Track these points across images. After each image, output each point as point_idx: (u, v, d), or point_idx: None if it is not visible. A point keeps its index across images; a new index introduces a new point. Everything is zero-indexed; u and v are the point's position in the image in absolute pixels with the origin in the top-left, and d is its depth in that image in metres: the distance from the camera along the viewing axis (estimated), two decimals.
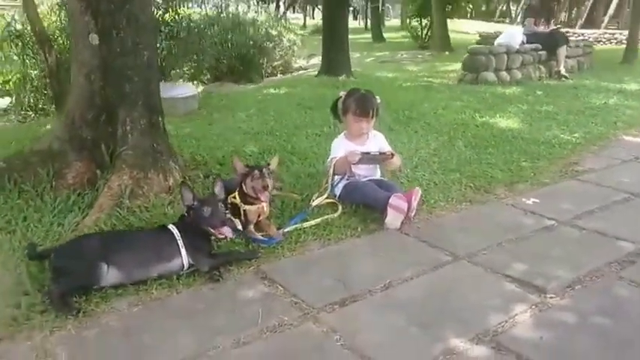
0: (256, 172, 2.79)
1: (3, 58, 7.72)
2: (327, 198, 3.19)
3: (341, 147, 3.26)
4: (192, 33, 8.25)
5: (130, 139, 3.14)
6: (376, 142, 3.34)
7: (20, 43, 6.95)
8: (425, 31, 16.09)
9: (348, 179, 3.26)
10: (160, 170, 3.17)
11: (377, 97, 3.32)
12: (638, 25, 11.34)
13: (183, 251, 2.38)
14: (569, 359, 1.87)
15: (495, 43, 8.62)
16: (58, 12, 7.08)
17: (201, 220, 2.47)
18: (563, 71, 8.63)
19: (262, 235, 2.78)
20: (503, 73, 8.06)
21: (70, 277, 2.19)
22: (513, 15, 31.41)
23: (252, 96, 7.19)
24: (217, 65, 9.89)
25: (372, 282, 2.37)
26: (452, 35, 14.98)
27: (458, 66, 8.75)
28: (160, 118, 3.31)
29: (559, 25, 12.13)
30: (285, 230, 2.83)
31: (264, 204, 2.83)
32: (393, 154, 3.18)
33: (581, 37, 12.59)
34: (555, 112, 5.91)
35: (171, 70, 8.17)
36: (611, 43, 16.64)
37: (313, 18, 36.43)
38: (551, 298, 2.25)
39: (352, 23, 27.47)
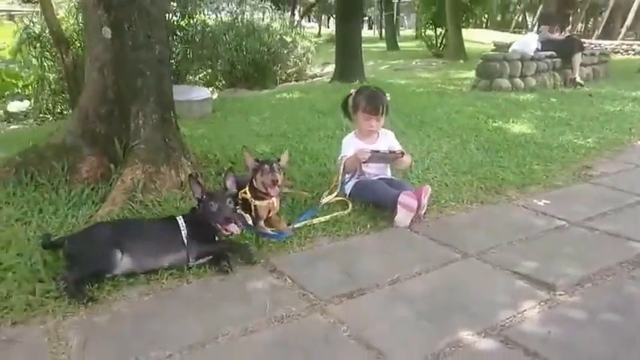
0: (266, 166, 2.81)
1: (22, 62, 7.92)
2: (337, 196, 3.20)
3: (351, 145, 3.27)
4: (206, 37, 8.37)
5: (143, 133, 3.18)
6: (386, 140, 3.35)
7: (38, 45, 7.10)
8: (439, 40, 16.11)
9: (358, 178, 3.27)
10: (172, 166, 3.21)
11: (387, 94, 3.33)
12: None
13: (186, 243, 2.40)
14: (577, 354, 1.85)
15: (510, 49, 8.60)
16: (75, 15, 7.23)
17: (209, 215, 2.48)
18: (578, 79, 8.56)
19: (272, 230, 2.80)
20: (518, 80, 8.03)
21: (83, 265, 2.23)
22: (529, 25, 31.26)
23: (266, 100, 7.25)
24: (232, 71, 10.01)
25: (380, 276, 2.37)
26: (467, 45, 14.97)
27: (472, 74, 8.74)
28: (172, 114, 3.35)
29: (574, 33, 12.07)
30: (295, 226, 2.85)
31: (274, 199, 2.85)
32: (403, 153, 3.19)
33: (598, 48, 12.51)
34: (569, 118, 5.87)
35: (186, 74, 8.27)
36: (628, 53, 16.50)
37: (328, 27, 36.71)
38: (560, 295, 2.24)
39: (367, 33, 27.66)
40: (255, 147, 4.29)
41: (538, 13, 26.05)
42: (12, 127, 6.91)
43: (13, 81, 8.24)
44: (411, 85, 8.53)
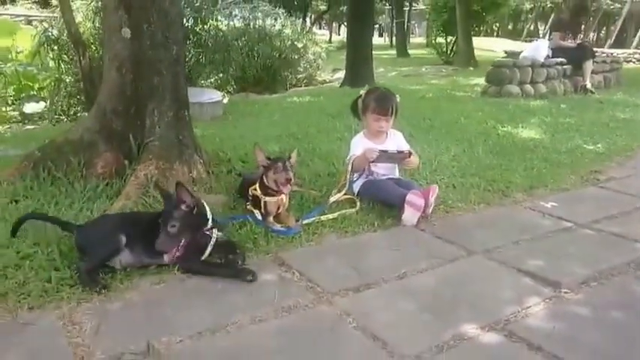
0: (279, 164, 2.86)
1: (40, 65, 8.07)
2: (345, 194, 3.25)
3: (360, 145, 3.32)
4: (219, 42, 8.48)
5: (157, 130, 3.26)
6: (395, 141, 3.39)
7: (56, 48, 7.24)
8: (450, 47, 16.15)
9: (366, 177, 3.32)
10: (184, 162, 3.28)
11: (397, 95, 3.38)
12: None
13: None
14: (581, 349, 1.88)
15: (520, 56, 8.62)
16: (92, 19, 7.37)
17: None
18: (589, 86, 8.54)
19: (281, 226, 2.85)
20: (528, 87, 8.04)
21: (93, 254, 2.30)
22: (541, 34, 31.24)
23: (277, 104, 7.33)
24: (243, 75, 10.12)
25: (387, 271, 2.41)
26: (477, 53, 15.00)
27: (481, 80, 8.75)
28: (186, 112, 3.42)
29: (586, 40, 12.04)
30: (304, 222, 2.90)
31: (283, 196, 2.90)
32: (410, 153, 3.23)
33: (610, 56, 12.47)
34: (579, 124, 5.88)
35: (198, 77, 8.38)
36: None
37: (339, 34, 36.88)
38: (565, 292, 2.26)
39: (377, 40, 27.73)
40: (265, 147, 4.32)
41: (550, 21, 26.04)
42: (28, 127, 7.04)
43: (30, 83, 8.39)
44: (420, 91, 8.57)
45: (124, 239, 2.33)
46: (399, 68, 14.44)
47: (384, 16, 36.70)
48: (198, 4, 8.34)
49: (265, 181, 2.91)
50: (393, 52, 21.14)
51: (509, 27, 42.40)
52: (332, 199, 3.21)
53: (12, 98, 8.17)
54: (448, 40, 16.43)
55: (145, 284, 2.27)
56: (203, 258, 2.42)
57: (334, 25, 41.78)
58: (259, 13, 11.25)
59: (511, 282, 2.37)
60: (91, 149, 3.28)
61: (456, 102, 7.36)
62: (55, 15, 8.24)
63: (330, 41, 27.52)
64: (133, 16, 3.22)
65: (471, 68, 13.49)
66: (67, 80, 7.49)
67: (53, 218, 2.62)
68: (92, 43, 7.17)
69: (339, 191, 3.26)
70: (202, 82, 8.98)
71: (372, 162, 3.21)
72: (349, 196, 3.26)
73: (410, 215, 2.96)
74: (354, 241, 2.78)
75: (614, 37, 26.98)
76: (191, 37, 7.93)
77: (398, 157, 3.26)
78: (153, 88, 3.28)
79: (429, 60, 16.56)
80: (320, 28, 38.71)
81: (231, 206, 3.13)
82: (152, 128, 3.28)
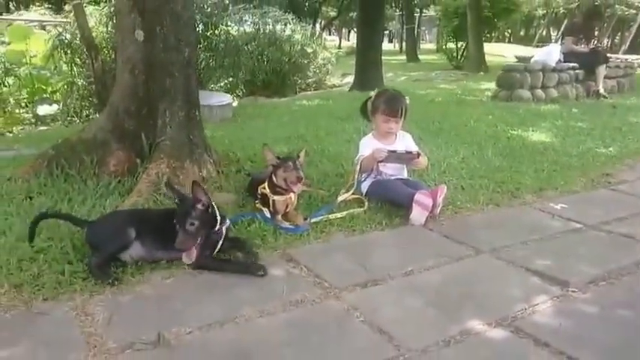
0: (289, 163, 2.89)
1: (53, 68, 8.20)
2: (353, 194, 3.27)
3: (369, 146, 3.34)
4: (229, 47, 8.56)
5: (169, 130, 3.31)
6: (404, 142, 3.41)
7: (69, 52, 7.36)
8: (460, 53, 16.14)
9: (375, 177, 3.34)
10: (195, 162, 3.32)
11: (406, 97, 3.40)
12: None
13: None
14: (588, 346, 1.88)
15: (531, 60, 8.60)
16: (105, 23, 7.48)
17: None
18: (601, 90, 8.49)
19: (290, 224, 2.88)
20: (539, 91, 8.01)
21: (102, 249, 2.34)
22: (553, 40, 31.12)
23: (286, 107, 7.38)
24: (252, 79, 10.20)
25: (394, 268, 2.43)
26: (488, 58, 14.99)
27: (492, 85, 8.74)
28: (197, 113, 3.47)
29: (599, 45, 11.97)
30: (312, 220, 2.92)
31: (292, 195, 2.93)
32: (419, 154, 3.25)
33: (624, 62, 12.39)
34: (591, 128, 5.86)
35: (208, 81, 8.46)
36: None
37: (348, 40, 37.01)
38: (573, 291, 2.26)
39: (388, 46, 27.81)
40: (274, 148, 4.35)
41: (562, 27, 25.94)
42: (41, 128, 7.14)
43: (43, 86, 8.51)
44: (429, 95, 8.58)
45: (133, 234, 2.37)
46: (408, 73, 14.46)
47: (394, 22, 36.82)
48: (209, 9, 8.43)
49: (275, 180, 2.94)
50: (403, 57, 21.21)
51: (522, 33, 42.30)
52: (340, 198, 3.23)
53: (25, 101, 8.30)
54: (459, 45, 16.41)
55: (155, 278, 2.31)
56: (213, 254, 2.45)
57: (344, 31, 41.96)
58: (269, 19, 11.34)
59: (519, 280, 2.37)
60: (104, 148, 3.34)
61: (465, 106, 7.36)
62: (69, 20, 8.36)
63: (339, 47, 27.62)
64: (146, 20, 3.28)
65: (482, 73, 13.48)
66: (80, 83, 7.59)
67: (65, 215, 2.66)
68: (105, 47, 7.27)
69: (348, 191, 3.28)
70: (212, 85, 9.06)
71: (381, 162, 3.23)
72: (357, 196, 3.28)
73: (418, 215, 2.97)
74: (361, 239, 2.80)
75: (628, 43, 26.80)
76: (202, 41, 8.01)
77: (406, 158, 3.28)
78: (165, 89, 3.33)
79: (439, 65, 16.57)
80: (330, 34, 38.86)
81: (240, 204, 3.17)
82: (163, 128, 3.33)
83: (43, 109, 7.79)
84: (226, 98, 6.84)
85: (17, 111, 7.97)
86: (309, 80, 11.95)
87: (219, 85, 9.62)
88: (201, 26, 8.14)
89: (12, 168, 3.58)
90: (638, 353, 1.88)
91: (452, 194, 3.40)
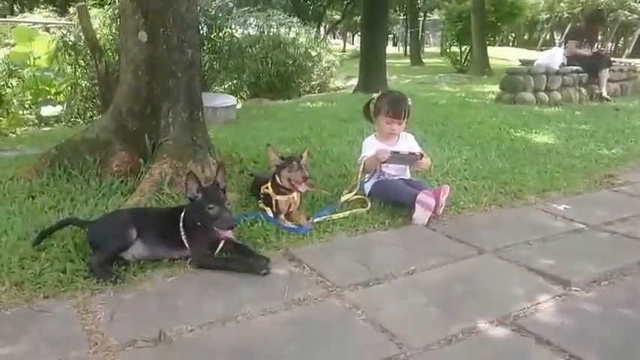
0: (294, 163, 2.88)
1: (57, 70, 8.23)
2: (356, 194, 3.27)
3: (371, 146, 3.33)
4: (233, 49, 8.59)
5: (172, 131, 3.32)
6: (407, 143, 3.41)
7: (73, 53, 7.39)
8: (464, 56, 16.14)
9: (378, 178, 3.33)
10: (198, 162, 3.32)
11: (409, 98, 3.40)
12: None
13: (184, 238, 2.41)
14: (589, 344, 1.87)
15: (535, 63, 8.60)
16: (109, 25, 7.52)
17: (204, 218, 2.37)
18: (604, 93, 8.51)
19: (292, 224, 2.88)
20: (542, 94, 8.02)
21: (103, 248, 2.34)
22: (557, 44, 31.10)
23: (290, 109, 7.39)
24: (257, 82, 10.22)
25: (396, 268, 2.43)
26: (492, 62, 14.99)
27: (495, 88, 8.75)
28: (200, 114, 3.48)
29: (602, 49, 11.97)
30: (315, 220, 2.92)
31: (294, 194, 2.93)
32: (422, 155, 3.24)
33: (627, 66, 12.38)
34: (594, 131, 5.85)
35: (212, 83, 8.48)
36: None
37: (353, 44, 37.06)
38: (575, 291, 2.26)
39: (392, 49, 27.83)
40: (277, 148, 4.39)
41: (566, 31, 25.94)
42: (44, 129, 7.17)
43: (47, 88, 8.54)
44: (433, 97, 8.58)
45: (134, 235, 2.37)
46: (413, 76, 14.47)
47: (398, 25, 36.87)
48: (213, 12, 8.46)
49: (278, 179, 2.94)
50: (408, 60, 21.21)
51: (525, 37, 42.28)
52: (343, 198, 3.23)
53: (29, 102, 8.33)
54: (463, 49, 16.42)
55: (157, 276, 2.31)
56: (215, 254, 2.45)
57: (348, 34, 42.02)
58: (274, 22, 11.37)
59: (521, 280, 2.37)
60: (107, 148, 3.35)
61: (469, 108, 7.36)
62: (73, 22, 8.40)
63: (344, 50, 27.68)
64: (149, 21, 3.28)
65: (486, 76, 13.47)
66: (84, 84, 7.62)
67: (67, 222, 2.60)
68: (109, 49, 7.30)
69: (350, 191, 3.29)
70: (217, 87, 9.09)
71: (384, 162, 3.23)
72: (360, 196, 3.28)
73: (421, 214, 2.97)
74: (364, 239, 2.80)
75: (632, 47, 26.77)
76: (206, 43, 8.04)
77: (409, 159, 3.28)
78: (168, 90, 3.34)
79: (443, 68, 16.57)
80: (334, 38, 38.96)
81: (243, 204, 3.17)
82: (167, 128, 3.34)
83: (47, 111, 7.81)
84: (230, 100, 6.85)
85: (21, 112, 7.99)
86: (314, 83, 11.96)
87: (223, 87, 9.65)
88: (205, 28, 8.18)
89: (14, 168, 3.59)
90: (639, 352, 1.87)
91: (455, 195, 3.40)
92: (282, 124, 6.00)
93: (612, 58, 9.84)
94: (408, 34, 25.24)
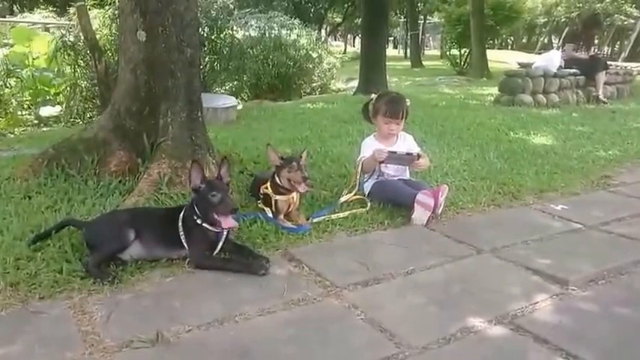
0: (294, 163, 2.88)
1: (57, 70, 8.21)
2: (355, 195, 3.27)
3: (370, 147, 3.33)
4: (234, 50, 8.58)
5: (170, 130, 3.31)
6: (405, 143, 3.41)
7: (72, 53, 7.37)
8: (464, 59, 16.18)
9: (377, 178, 3.34)
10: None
11: (407, 99, 3.40)
12: None
13: (182, 238, 2.41)
14: (587, 342, 1.87)
15: (533, 66, 8.63)
16: (109, 26, 7.51)
17: (208, 206, 2.38)
18: (601, 96, 8.55)
19: (292, 224, 2.87)
20: (540, 96, 8.04)
21: (100, 248, 2.33)
22: (555, 47, 31.17)
23: (290, 110, 7.38)
24: (257, 83, 10.21)
25: (395, 267, 2.43)
26: (491, 65, 15.01)
27: (494, 90, 8.76)
28: (200, 113, 3.47)
29: (599, 53, 12.01)
30: (314, 220, 2.92)
31: (294, 194, 2.93)
32: (419, 156, 3.24)
33: (623, 69, 12.42)
34: (591, 132, 5.88)
35: (212, 84, 8.47)
36: None
37: (353, 46, 37.06)
38: (572, 290, 2.27)
39: (392, 52, 27.88)
40: (277, 149, 4.39)
41: (564, 34, 26.00)
42: (43, 129, 7.14)
43: (46, 88, 8.52)
44: (433, 99, 8.58)
45: (132, 235, 2.36)
46: (413, 78, 14.48)
47: (398, 28, 36.91)
48: (214, 14, 8.46)
49: (278, 180, 2.93)
50: (408, 63, 21.23)
51: (524, 40, 42.35)
52: (342, 199, 3.23)
53: (28, 102, 8.30)
54: (462, 51, 16.46)
55: (155, 277, 2.30)
56: (214, 254, 2.45)
57: (349, 36, 42.06)
58: (275, 24, 11.37)
59: (519, 279, 2.37)
60: (105, 148, 3.34)
61: (468, 110, 7.38)
62: (72, 23, 8.39)
63: (344, 52, 27.69)
64: (148, 20, 3.28)
65: (485, 79, 13.48)
66: (83, 85, 7.59)
67: (65, 223, 2.59)
68: (108, 50, 7.29)
69: (350, 192, 3.29)
70: (217, 88, 9.08)
71: (382, 163, 3.23)
72: (360, 197, 3.28)
73: (420, 214, 2.97)
74: (363, 239, 2.80)
75: (627, 51, 26.85)
76: (206, 44, 8.04)
77: (406, 159, 3.28)
78: (167, 89, 3.34)
79: (442, 71, 16.59)
80: (335, 40, 38.95)
81: (242, 204, 3.16)
82: (165, 128, 3.33)
83: (46, 111, 7.79)
84: (231, 101, 6.84)
85: (20, 112, 7.97)
86: (314, 84, 11.95)
87: (224, 88, 9.64)
88: (206, 29, 8.17)
89: (11, 168, 3.58)
90: (636, 349, 1.87)
91: (454, 195, 3.41)
92: (282, 124, 6.00)
93: (609, 62, 9.89)
94: (409, 37, 25.28)
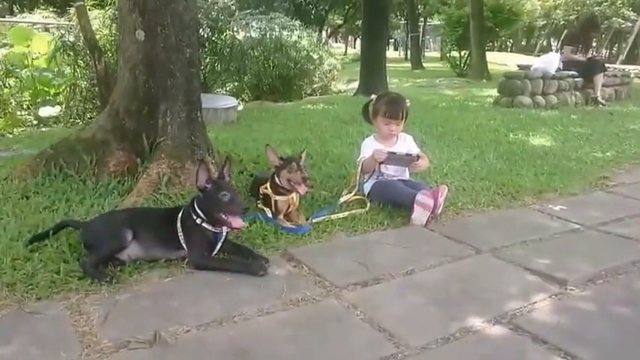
0: (294, 164, 2.87)
1: (56, 70, 8.21)
2: (355, 195, 3.27)
3: (370, 147, 3.33)
4: (235, 51, 8.59)
5: (170, 130, 3.30)
6: (405, 144, 3.41)
7: (72, 53, 7.37)
8: (464, 61, 16.22)
9: (377, 178, 3.33)
10: (196, 162, 3.30)
11: (407, 100, 3.40)
12: None
13: (181, 238, 2.40)
14: (586, 342, 1.87)
15: (531, 68, 8.65)
16: (109, 26, 7.51)
17: (216, 205, 2.36)
18: (599, 98, 8.58)
19: (291, 224, 2.87)
20: (539, 98, 8.07)
21: (97, 248, 2.32)
22: (554, 50, 31.23)
23: (291, 110, 7.39)
24: (258, 84, 10.22)
25: (395, 268, 2.42)
26: (491, 67, 15.07)
27: (494, 92, 8.77)
28: (199, 113, 3.46)
29: (596, 54, 12.04)
30: (314, 221, 2.92)
31: (293, 195, 2.92)
32: (419, 157, 3.24)
33: (621, 71, 12.44)
34: (589, 134, 5.89)
35: (213, 84, 8.47)
36: None
37: (354, 47, 37.12)
38: (571, 290, 2.26)
39: (393, 54, 27.92)
40: (278, 149, 4.38)
41: (562, 36, 26.02)
42: (43, 129, 7.13)
43: (45, 88, 8.51)
44: (433, 100, 8.60)
45: (129, 236, 2.34)
46: (413, 80, 14.51)
47: (399, 30, 36.99)
48: (215, 15, 8.46)
49: (278, 180, 2.93)
50: (408, 65, 21.28)
51: (523, 43, 42.45)
52: (342, 199, 3.23)
53: (28, 103, 8.29)
54: (462, 53, 16.50)
55: (153, 277, 2.29)
56: (214, 254, 2.44)
57: (350, 38, 42.13)
58: (276, 25, 11.37)
59: (518, 279, 2.37)
60: (104, 148, 3.33)
61: (468, 111, 7.40)
62: (72, 23, 8.38)
63: (345, 54, 27.71)
64: (147, 19, 3.27)
65: (484, 81, 13.52)
66: (83, 85, 7.59)
67: (63, 225, 2.58)
68: (108, 50, 7.29)
69: (350, 192, 3.29)
70: (218, 89, 9.08)
71: (381, 163, 3.23)
72: (359, 197, 3.28)
73: (419, 215, 2.97)
74: (363, 239, 2.80)
75: (625, 53, 26.92)
76: (207, 45, 8.04)
77: (406, 160, 3.27)
78: (166, 89, 3.33)
79: (442, 72, 16.63)
80: (336, 42, 38.98)
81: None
82: (165, 128, 3.33)
83: (46, 111, 7.76)
84: (231, 101, 6.84)
85: (19, 113, 7.95)
86: (315, 85, 11.95)
87: (224, 89, 9.65)
88: (207, 30, 8.18)
89: (9, 168, 3.57)
90: (635, 349, 1.87)
91: (453, 196, 3.41)
92: (283, 125, 6.01)
93: (607, 64, 9.92)
94: (409, 39, 25.35)
